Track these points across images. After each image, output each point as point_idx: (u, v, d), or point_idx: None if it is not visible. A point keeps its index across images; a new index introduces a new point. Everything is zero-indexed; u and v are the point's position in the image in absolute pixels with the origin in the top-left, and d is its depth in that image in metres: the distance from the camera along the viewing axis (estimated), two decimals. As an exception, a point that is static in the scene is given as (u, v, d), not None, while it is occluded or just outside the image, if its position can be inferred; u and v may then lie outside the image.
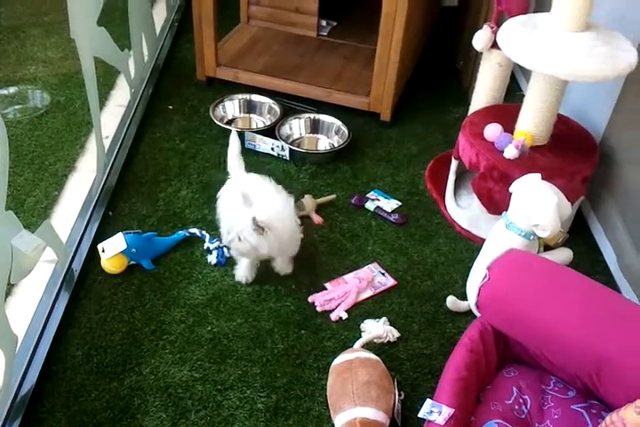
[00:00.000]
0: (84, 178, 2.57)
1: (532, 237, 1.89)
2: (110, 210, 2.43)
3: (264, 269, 2.23)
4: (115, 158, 2.64)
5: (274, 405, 1.83)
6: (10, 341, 1.73)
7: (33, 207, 2.44)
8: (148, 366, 1.91)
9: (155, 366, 1.91)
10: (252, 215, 1.90)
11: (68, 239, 2.23)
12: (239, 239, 1.96)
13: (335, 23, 3.49)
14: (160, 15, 3.56)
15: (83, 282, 2.15)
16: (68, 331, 2.00)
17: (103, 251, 2.16)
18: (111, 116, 2.88)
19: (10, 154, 1.60)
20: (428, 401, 1.53)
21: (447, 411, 1.49)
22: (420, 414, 1.51)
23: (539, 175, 1.91)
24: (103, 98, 3.01)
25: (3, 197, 1.60)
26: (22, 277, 1.77)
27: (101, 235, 2.29)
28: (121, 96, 3.05)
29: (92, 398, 1.82)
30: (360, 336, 1.98)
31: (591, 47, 1.94)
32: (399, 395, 1.78)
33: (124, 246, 2.14)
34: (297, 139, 2.86)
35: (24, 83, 3.15)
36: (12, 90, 3.09)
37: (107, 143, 2.63)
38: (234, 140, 2.29)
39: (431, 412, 1.50)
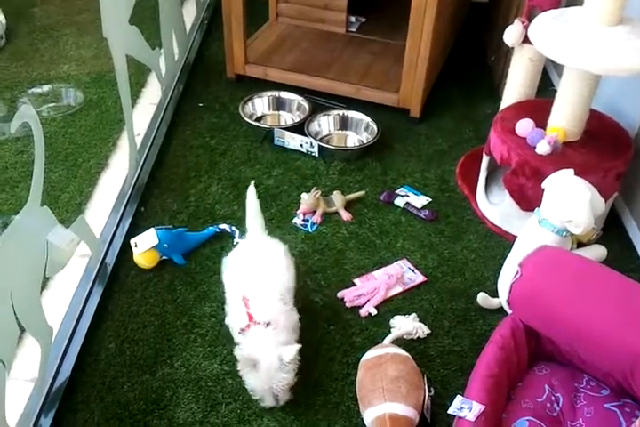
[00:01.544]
0: (116, 175, 2.61)
1: (564, 234, 1.86)
2: (142, 206, 2.46)
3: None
4: (146, 155, 2.67)
5: (303, 399, 1.84)
6: (45, 333, 1.76)
7: (67, 203, 2.48)
8: (180, 358, 1.94)
9: (186, 358, 1.94)
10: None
11: (101, 234, 2.26)
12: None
13: (364, 19, 3.48)
14: (190, 13, 3.58)
15: (116, 276, 2.18)
16: (101, 324, 2.03)
17: (136, 246, 2.19)
18: (143, 114, 2.91)
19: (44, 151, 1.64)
20: (459, 397, 1.53)
21: (478, 407, 1.48)
22: (451, 411, 1.51)
23: (572, 171, 1.89)
24: (135, 96, 3.05)
25: (38, 193, 1.63)
26: (57, 271, 1.81)
27: (134, 230, 2.32)
28: (152, 94, 3.08)
29: (125, 390, 1.85)
30: (389, 332, 1.97)
31: (625, 41, 1.90)
32: (429, 391, 1.78)
33: (156, 242, 2.17)
34: (326, 135, 2.86)
35: (57, 81, 3.20)
36: (46, 88, 3.14)
37: (138, 140, 2.66)
38: (251, 196, 2.08)
39: (461, 408, 1.50)
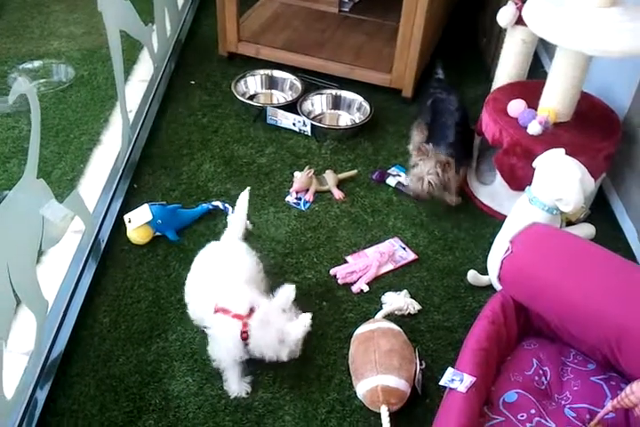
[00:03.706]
0: (108, 151, 2.60)
1: (555, 212, 1.89)
2: (135, 183, 2.46)
3: (286, 243, 2.26)
4: (139, 132, 2.66)
5: (296, 372, 1.87)
6: (42, 305, 1.78)
7: (59, 179, 2.47)
8: (174, 333, 1.96)
9: (180, 333, 1.96)
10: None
11: (94, 210, 2.26)
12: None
13: (357, -1, 3.47)
14: (182, -10, 3.55)
15: (109, 252, 2.19)
16: (95, 299, 2.05)
17: (130, 221, 2.19)
18: (134, 91, 2.89)
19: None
20: (450, 370, 1.56)
21: (469, 379, 1.51)
22: (442, 382, 1.54)
23: (562, 150, 1.91)
24: (126, 72, 3.01)
25: (34, 165, 1.63)
26: (51, 245, 1.81)
27: (126, 207, 2.32)
28: (144, 71, 3.07)
29: (121, 363, 1.87)
30: (381, 309, 2.00)
31: (619, 23, 1.92)
32: (420, 364, 1.81)
33: (150, 217, 2.17)
34: (318, 115, 2.87)
35: (48, 57, 3.17)
36: (37, 64, 3.11)
37: (130, 117, 2.65)
38: (243, 199, 2.03)
39: (453, 380, 1.53)
